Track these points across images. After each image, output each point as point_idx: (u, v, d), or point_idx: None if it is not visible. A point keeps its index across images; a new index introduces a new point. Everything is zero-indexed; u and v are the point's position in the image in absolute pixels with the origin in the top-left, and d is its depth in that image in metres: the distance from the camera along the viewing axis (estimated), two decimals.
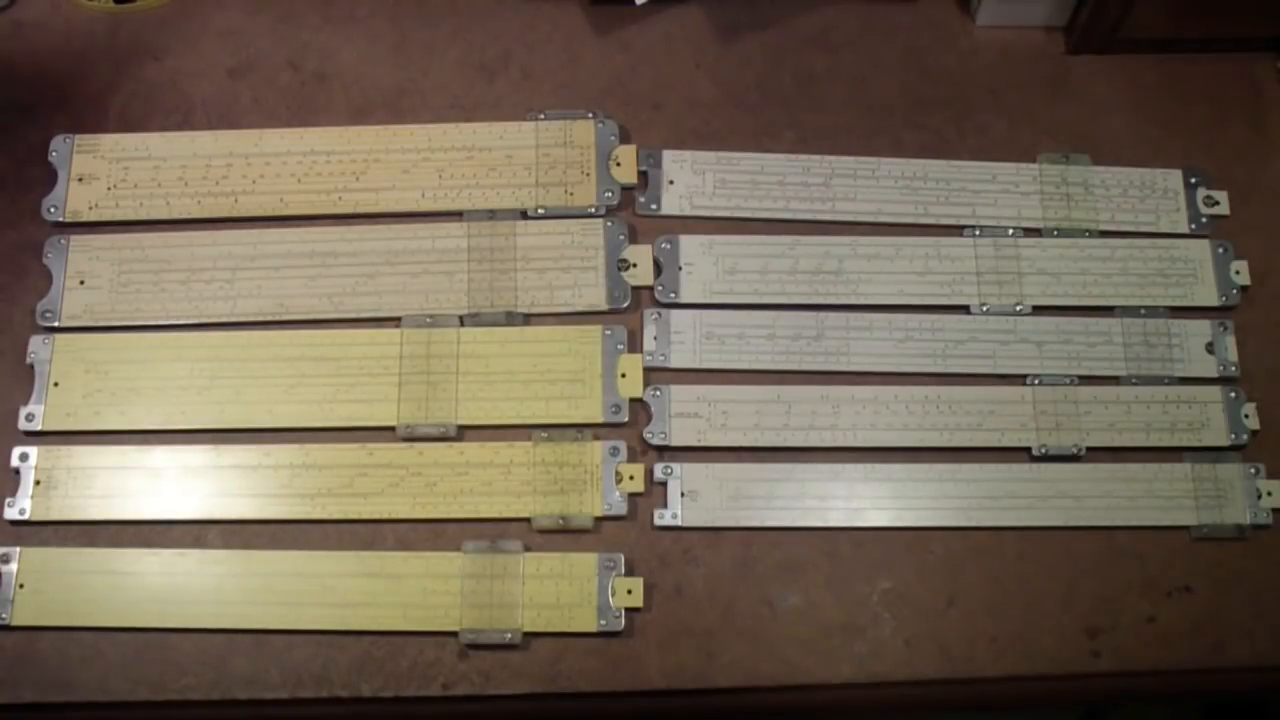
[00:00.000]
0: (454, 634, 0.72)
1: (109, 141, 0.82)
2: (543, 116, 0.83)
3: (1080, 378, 0.79)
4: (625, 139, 0.83)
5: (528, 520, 0.75)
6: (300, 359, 0.77)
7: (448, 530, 0.75)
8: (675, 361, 0.78)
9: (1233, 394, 0.79)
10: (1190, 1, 0.83)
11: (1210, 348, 0.80)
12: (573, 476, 0.75)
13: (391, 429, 0.76)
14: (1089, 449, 0.77)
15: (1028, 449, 0.77)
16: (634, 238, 0.81)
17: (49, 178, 0.81)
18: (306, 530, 0.75)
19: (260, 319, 0.78)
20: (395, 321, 0.78)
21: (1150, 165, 0.84)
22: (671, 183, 0.82)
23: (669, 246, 0.80)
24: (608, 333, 0.78)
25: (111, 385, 0.77)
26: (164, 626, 0.73)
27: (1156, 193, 0.83)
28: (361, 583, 0.73)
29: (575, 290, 0.79)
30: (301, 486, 0.75)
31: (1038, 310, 0.80)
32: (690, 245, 0.80)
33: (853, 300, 0.80)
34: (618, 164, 0.82)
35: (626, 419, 0.77)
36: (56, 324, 0.78)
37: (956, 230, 0.82)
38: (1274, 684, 0.75)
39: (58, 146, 0.82)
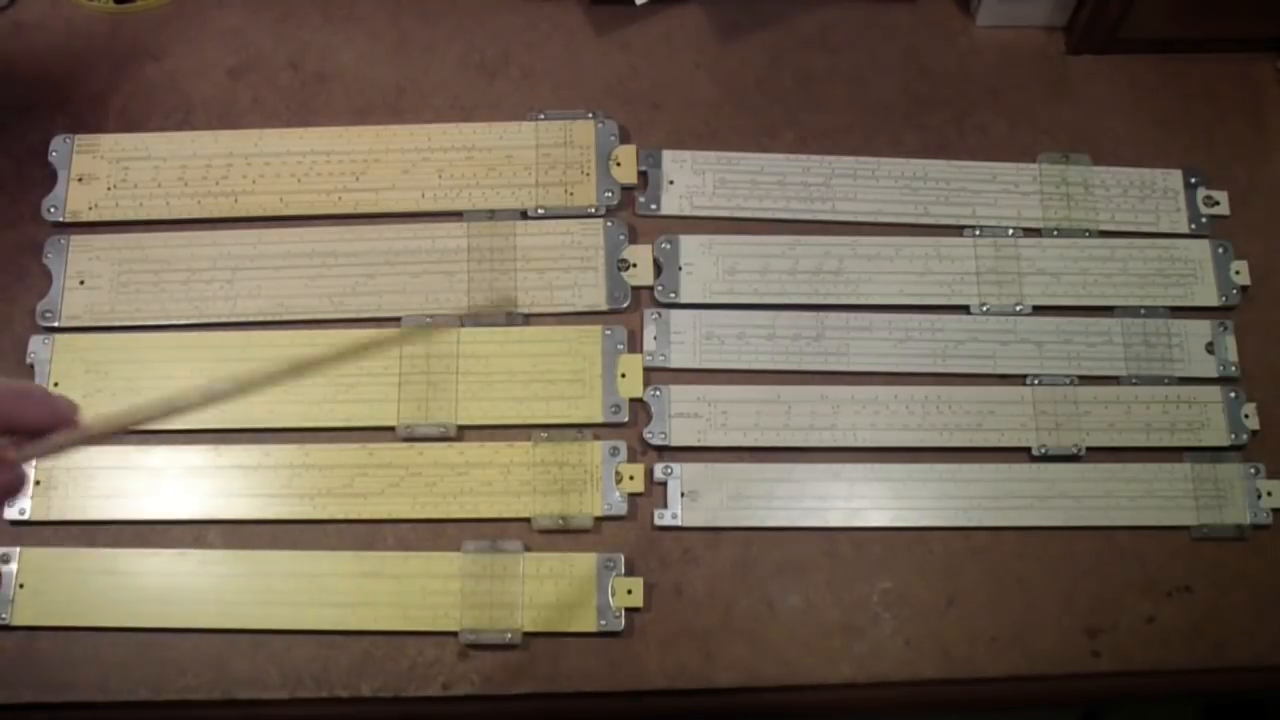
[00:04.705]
0: (454, 634, 0.72)
1: (109, 141, 0.82)
2: (543, 116, 0.83)
3: (1080, 378, 0.79)
4: (625, 139, 0.83)
5: (528, 520, 0.75)
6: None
7: (448, 530, 0.75)
8: (675, 361, 0.78)
9: (1233, 394, 0.79)
10: (1190, 1, 0.83)
11: (1210, 348, 0.80)
12: (573, 476, 0.75)
13: (391, 429, 0.76)
14: (1089, 449, 0.77)
15: (1028, 449, 0.77)
16: (634, 238, 0.81)
17: (49, 178, 0.81)
18: (306, 530, 0.75)
19: (260, 319, 0.78)
20: (395, 321, 0.78)
21: (1150, 165, 0.84)
22: (671, 183, 0.82)
23: (669, 246, 0.80)
24: (608, 333, 0.78)
25: (111, 385, 0.77)
26: (164, 627, 0.72)
27: (1156, 193, 0.83)
28: (361, 583, 0.73)
29: (575, 290, 0.79)
30: (301, 486, 0.75)
31: (1038, 310, 0.80)
32: (690, 245, 0.80)
33: (853, 300, 0.80)
34: (618, 164, 0.82)
35: (626, 419, 0.77)
36: (56, 324, 0.78)
37: (956, 230, 0.82)
38: (1274, 684, 0.75)
39: (58, 146, 0.82)
